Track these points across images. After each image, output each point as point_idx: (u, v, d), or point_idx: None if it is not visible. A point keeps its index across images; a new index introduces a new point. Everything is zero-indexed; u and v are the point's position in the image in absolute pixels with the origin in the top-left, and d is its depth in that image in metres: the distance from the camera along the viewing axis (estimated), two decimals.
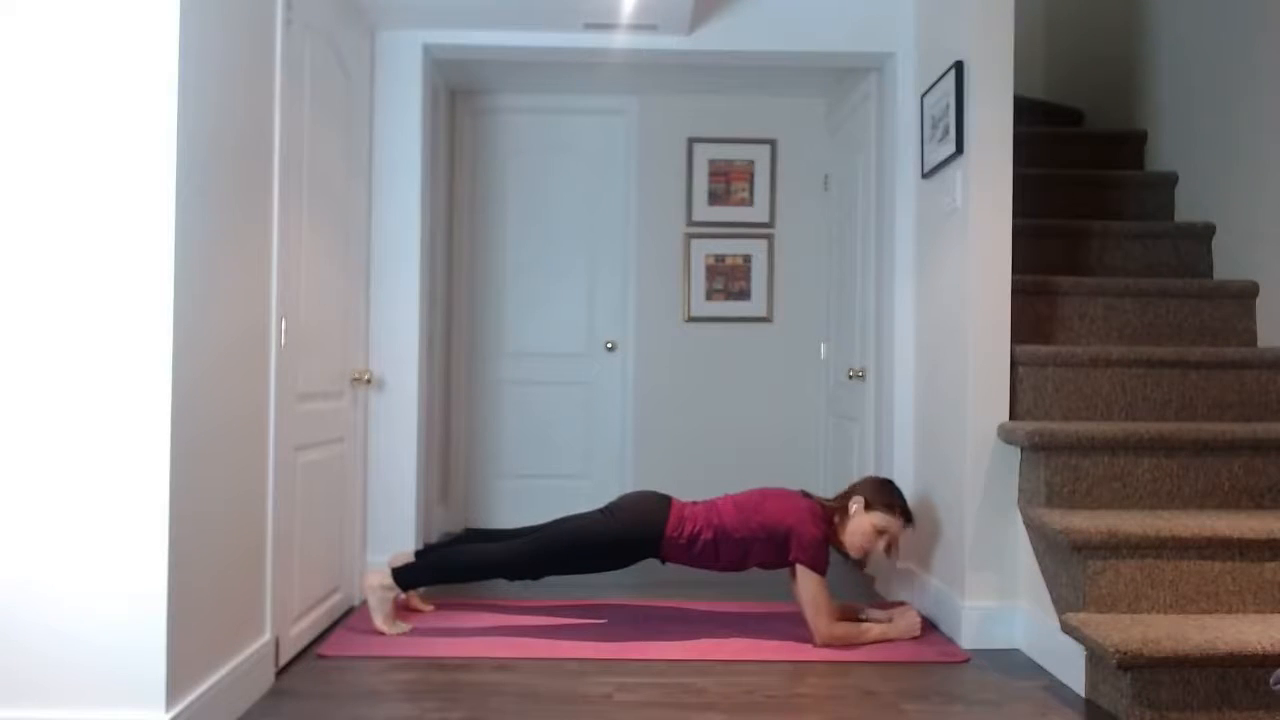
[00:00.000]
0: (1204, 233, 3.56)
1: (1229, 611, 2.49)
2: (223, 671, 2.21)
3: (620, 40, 3.55)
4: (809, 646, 2.86)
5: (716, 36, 3.56)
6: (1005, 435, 2.84)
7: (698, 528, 2.92)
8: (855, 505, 2.98)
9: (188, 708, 2.02)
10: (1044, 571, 2.72)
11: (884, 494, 3.00)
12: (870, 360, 3.81)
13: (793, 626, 3.05)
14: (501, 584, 3.52)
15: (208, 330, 2.13)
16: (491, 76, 4.41)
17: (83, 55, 1.95)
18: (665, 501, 3.00)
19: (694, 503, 3.03)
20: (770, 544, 2.93)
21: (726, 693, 2.48)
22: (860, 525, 2.97)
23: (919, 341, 3.41)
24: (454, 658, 2.74)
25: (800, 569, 2.90)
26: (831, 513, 3.01)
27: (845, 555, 3.03)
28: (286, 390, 2.61)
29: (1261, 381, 3.03)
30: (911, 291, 3.48)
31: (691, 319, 4.66)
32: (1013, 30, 2.93)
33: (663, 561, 2.98)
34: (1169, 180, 3.82)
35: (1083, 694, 2.48)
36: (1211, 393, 3.02)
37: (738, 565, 2.97)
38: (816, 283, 4.67)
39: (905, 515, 3.01)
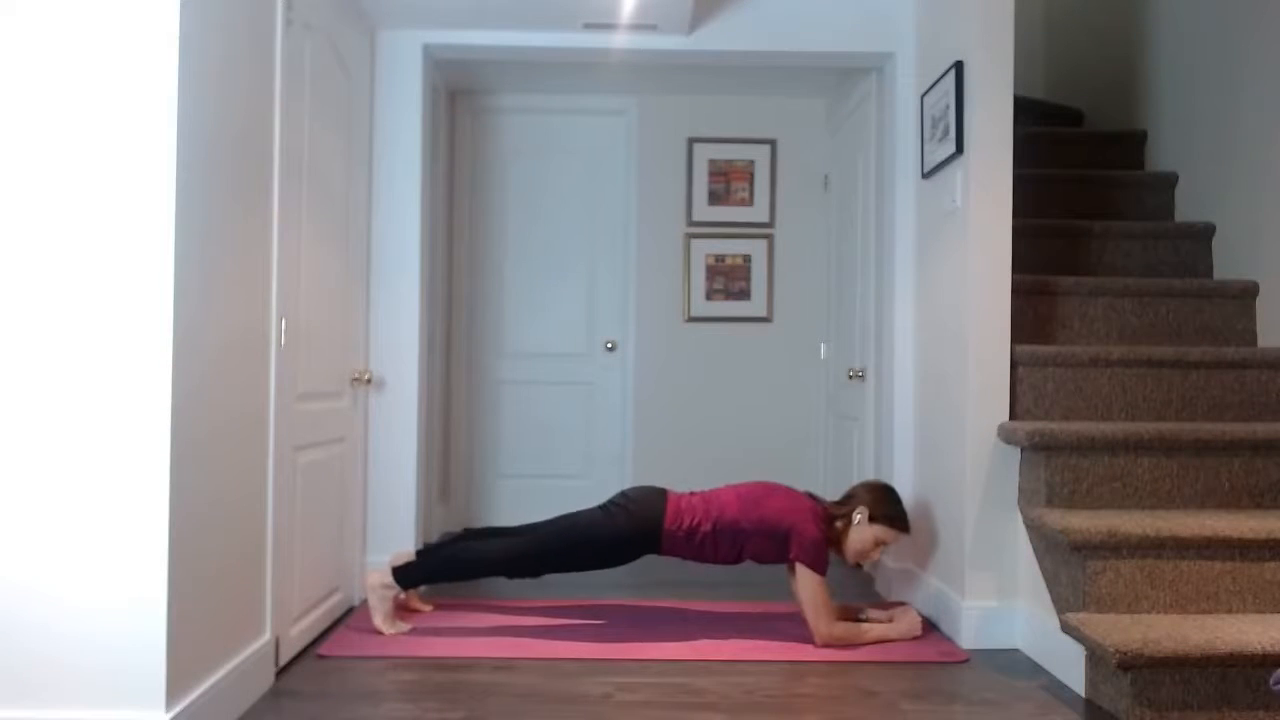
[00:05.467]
0: (1204, 233, 3.56)
1: (1229, 611, 2.49)
2: (223, 671, 2.21)
3: (620, 40, 3.55)
4: (809, 646, 2.86)
5: (716, 36, 3.56)
6: (1005, 435, 2.84)
7: (696, 520, 2.92)
8: (859, 515, 2.98)
9: (188, 708, 2.02)
10: (1044, 571, 2.72)
11: (887, 505, 3.01)
12: (870, 360, 3.81)
13: (793, 626, 3.05)
14: (501, 584, 3.52)
15: (208, 330, 2.13)
16: (491, 76, 4.41)
17: (82, 55, 1.95)
18: (662, 495, 3.00)
19: (690, 494, 3.04)
20: (770, 540, 2.92)
21: (726, 693, 2.48)
22: (862, 536, 2.98)
23: (919, 341, 3.41)
24: (454, 658, 2.74)
25: (800, 569, 2.90)
26: (832, 515, 3.01)
27: (842, 559, 3.04)
28: (286, 390, 2.61)
29: (1261, 381, 3.03)
30: (911, 291, 3.48)
31: (691, 319, 4.66)
32: (1013, 30, 2.92)
33: (661, 554, 2.97)
34: (1169, 180, 3.82)
35: (1083, 694, 2.48)
36: (1211, 393, 3.02)
37: (735, 558, 2.97)
38: (816, 283, 4.67)
39: (905, 527, 3.03)
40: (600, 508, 3.02)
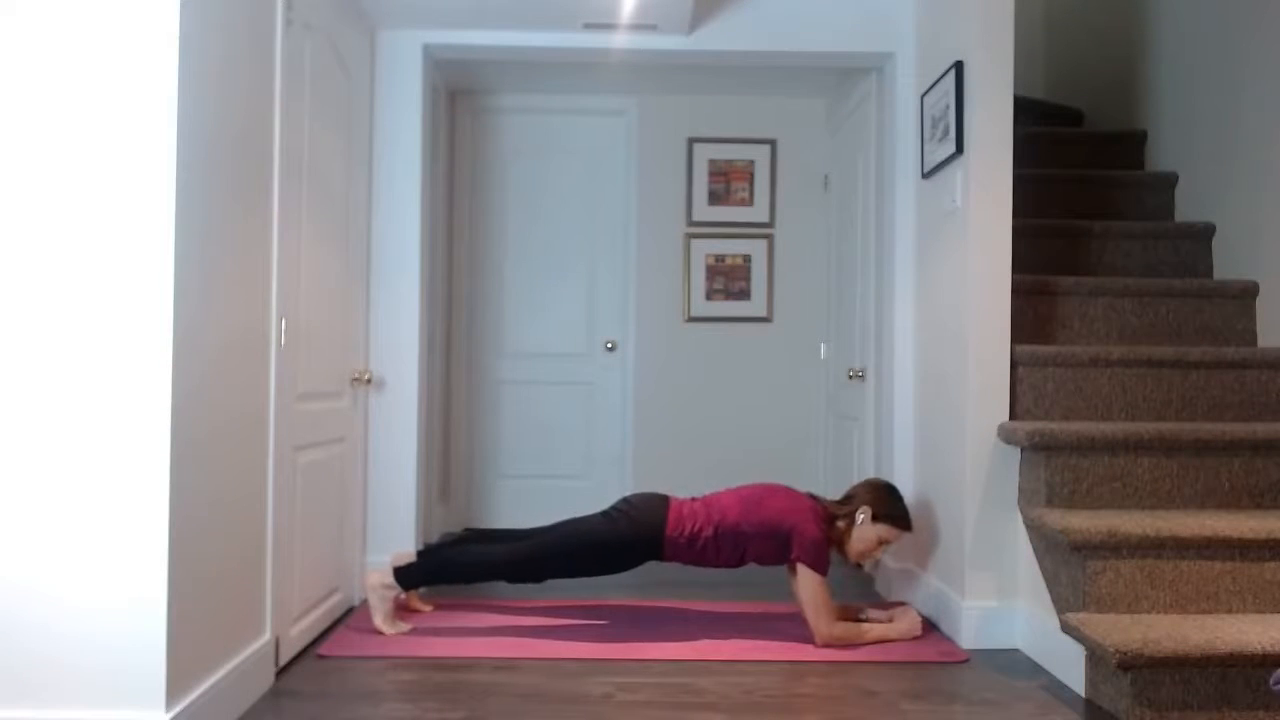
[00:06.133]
0: (1204, 233, 3.56)
1: (1229, 611, 2.49)
2: (223, 671, 2.21)
3: (620, 40, 3.55)
4: (809, 646, 2.86)
5: (716, 36, 3.56)
6: (1005, 435, 2.84)
7: (698, 525, 2.92)
8: (863, 515, 2.98)
9: (188, 708, 2.02)
10: (1044, 571, 2.72)
11: (889, 505, 3.01)
12: (870, 360, 3.81)
13: (793, 626, 3.05)
14: (501, 584, 3.52)
15: (208, 330, 2.13)
16: (491, 76, 4.41)
17: (83, 55, 1.95)
18: (664, 502, 3.00)
19: (691, 499, 3.04)
20: (771, 541, 2.92)
21: (726, 693, 2.48)
22: (865, 535, 2.98)
23: (919, 341, 3.41)
24: (454, 658, 2.74)
25: (801, 569, 2.90)
26: (833, 515, 3.01)
27: (844, 558, 3.05)
28: (286, 390, 2.61)
29: (1261, 381, 3.03)
30: (911, 291, 3.48)
31: (691, 319, 4.66)
32: (1013, 30, 2.92)
33: (664, 560, 2.98)
34: (1169, 180, 3.82)
35: (1083, 694, 2.48)
36: (1211, 393, 3.02)
37: (738, 561, 2.97)
38: (816, 283, 4.67)
39: (908, 526, 3.03)
40: (603, 514, 3.02)
